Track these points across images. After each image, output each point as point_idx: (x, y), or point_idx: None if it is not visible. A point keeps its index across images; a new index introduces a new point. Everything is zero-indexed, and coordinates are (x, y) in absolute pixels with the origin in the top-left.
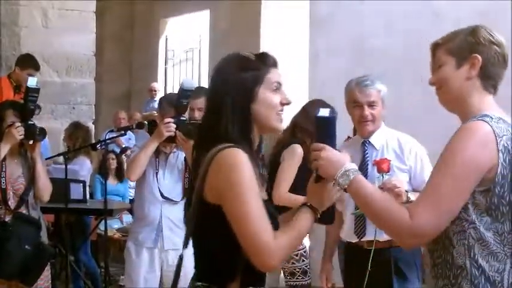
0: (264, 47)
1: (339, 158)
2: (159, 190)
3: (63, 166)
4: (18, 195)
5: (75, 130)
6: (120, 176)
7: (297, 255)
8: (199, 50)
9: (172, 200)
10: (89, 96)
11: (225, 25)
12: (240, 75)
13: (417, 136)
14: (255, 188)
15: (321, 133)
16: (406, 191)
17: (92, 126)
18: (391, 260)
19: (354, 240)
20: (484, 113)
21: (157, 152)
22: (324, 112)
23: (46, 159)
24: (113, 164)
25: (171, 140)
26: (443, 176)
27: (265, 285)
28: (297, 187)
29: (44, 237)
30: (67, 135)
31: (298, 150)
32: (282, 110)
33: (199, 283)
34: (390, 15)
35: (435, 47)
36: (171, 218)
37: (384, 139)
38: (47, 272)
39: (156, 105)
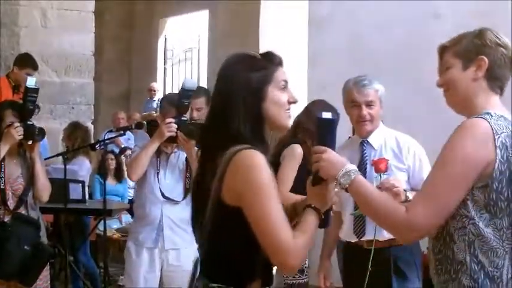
0: (263, 47)
1: (340, 159)
2: (160, 190)
3: (63, 166)
4: (17, 195)
5: (74, 130)
6: (119, 176)
7: None
8: (199, 50)
9: (173, 200)
10: (88, 96)
11: (224, 25)
12: (250, 74)
13: (416, 136)
14: (274, 189)
15: (322, 134)
16: (404, 190)
17: (91, 126)
18: (391, 260)
19: (354, 240)
20: (485, 111)
21: (158, 152)
22: (326, 114)
23: (45, 159)
24: (112, 164)
25: (172, 140)
26: (441, 172)
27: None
28: (297, 187)
29: (43, 237)
30: (66, 135)
31: (298, 150)
32: (289, 109)
33: (215, 284)
34: (389, 16)
35: (442, 49)
36: (172, 218)
37: (382, 139)
38: (46, 272)
39: (155, 105)
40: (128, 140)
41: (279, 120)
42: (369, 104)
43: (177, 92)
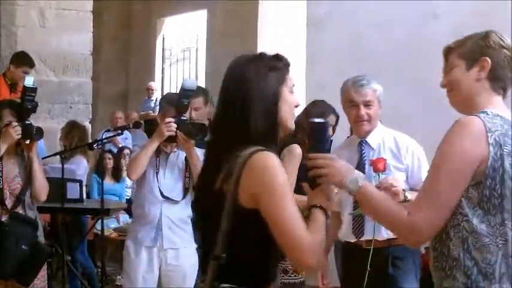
0: (261, 47)
1: (346, 165)
2: (160, 189)
3: (60, 165)
4: (14, 195)
5: (72, 129)
6: (117, 175)
7: None
8: (197, 50)
9: (172, 200)
10: (86, 95)
11: (222, 25)
12: (269, 74)
13: (415, 136)
14: (289, 189)
15: (316, 139)
16: (403, 190)
17: (88, 126)
18: (389, 259)
19: (353, 240)
20: (482, 110)
21: (158, 152)
22: (319, 119)
23: (42, 158)
24: (110, 163)
25: (171, 139)
26: (440, 170)
27: None
28: (296, 187)
29: (41, 236)
30: (63, 135)
31: (297, 150)
32: (294, 112)
33: (227, 285)
34: (388, 15)
35: (447, 51)
36: (171, 217)
37: (381, 138)
38: (43, 272)
39: (152, 104)
40: (125, 139)
41: (287, 122)
42: (367, 104)
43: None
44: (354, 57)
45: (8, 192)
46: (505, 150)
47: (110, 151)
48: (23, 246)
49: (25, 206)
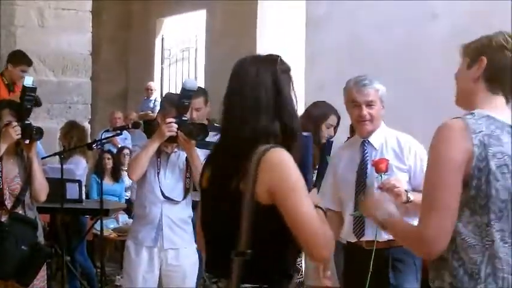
0: (260, 47)
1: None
2: (161, 190)
3: (59, 166)
4: (14, 195)
5: (71, 129)
6: (116, 175)
7: None
8: (196, 50)
9: (173, 200)
10: (85, 95)
11: (221, 25)
12: (282, 76)
13: (416, 136)
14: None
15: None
16: (405, 191)
17: (87, 126)
18: (390, 260)
19: (353, 240)
20: (471, 111)
21: (158, 152)
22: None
23: (42, 158)
24: (109, 163)
25: (172, 140)
26: (431, 179)
27: None
28: None
29: (40, 237)
30: (62, 135)
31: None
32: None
33: (248, 285)
34: (387, 16)
35: (463, 49)
36: (172, 217)
37: (383, 139)
38: (42, 272)
39: (152, 104)
40: (124, 139)
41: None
42: (369, 104)
43: (174, 91)
44: (353, 57)
45: (7, 193)
46: (489, 151)
47: (109, 151)
48: (23, 247)
49: (25, 207)
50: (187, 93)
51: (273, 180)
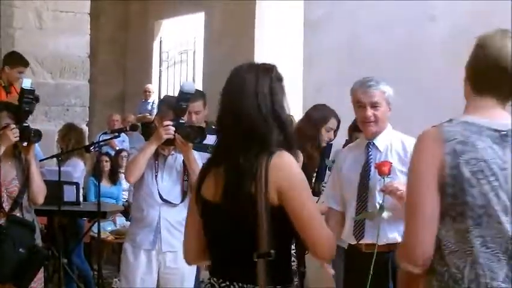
0: (258, 49)
1: None
2: (158, 192)
3: (57, 168)
4: (12, 197)
5: (69, 131)
6: (114, 178)
7: None
8: (194, 52)
9: (171, 203)
10: (83, 98)
11: (219, 27)
12: (277, 84)
13: (414, 136)
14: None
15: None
16: None
17: (85, 128)
18: (389, 264)
19: (353, 242)
20: (449, 118)
21: (156, 155)
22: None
23: (39, 161)
24: (107, 166)
25: (170, 142)
26: (408, 188)
27: None
28: None
29: (38, 239)
30: (60, 137)
31: (300, 157)
32: None
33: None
34: (386, 16)
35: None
36: (169, 220)
37: (389, 141)
38: (40, 275)
39: (149, 107)
40: (122, 142)
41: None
42: (374, 105)
43: (172, 94)
44: (352, 58)
45: (5, 195)
46: (461, 159)
47: (107, 154)
48: (21, 250)
49: (23, 209)
50: (185, 96)
51: (282, 180)
